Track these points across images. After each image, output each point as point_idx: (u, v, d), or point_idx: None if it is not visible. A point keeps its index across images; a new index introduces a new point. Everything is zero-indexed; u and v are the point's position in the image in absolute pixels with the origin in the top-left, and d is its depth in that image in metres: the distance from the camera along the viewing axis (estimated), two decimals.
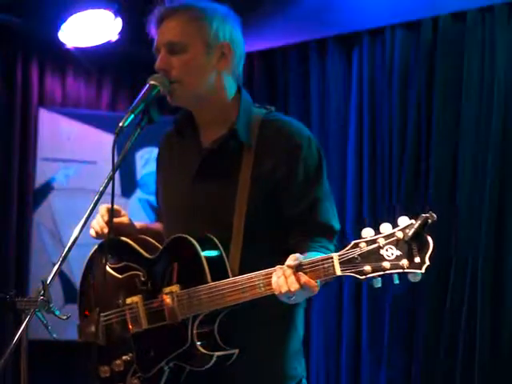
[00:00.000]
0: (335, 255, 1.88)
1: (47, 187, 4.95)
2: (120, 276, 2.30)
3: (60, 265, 1.97)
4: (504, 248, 3.99)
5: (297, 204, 2.16)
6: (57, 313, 1.93)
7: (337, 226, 2.20)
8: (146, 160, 5.10)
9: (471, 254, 4.04)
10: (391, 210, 4.37)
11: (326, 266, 1.89)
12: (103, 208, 2.31)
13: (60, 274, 1.97)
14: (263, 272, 1.99)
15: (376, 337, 4.41)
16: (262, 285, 1.99)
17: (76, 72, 5.16)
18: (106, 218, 2.31)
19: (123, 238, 2.34)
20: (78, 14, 4.47)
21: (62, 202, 4.93)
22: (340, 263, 1.87)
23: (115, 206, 2.30)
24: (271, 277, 1.96)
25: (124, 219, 2.37)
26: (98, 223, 2.31)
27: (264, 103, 2.33)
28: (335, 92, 4.67)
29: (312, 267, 1.91)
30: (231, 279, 2.05)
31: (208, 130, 2.26)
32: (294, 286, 1.90)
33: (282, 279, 1.92)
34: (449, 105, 4.19)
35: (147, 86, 2.13)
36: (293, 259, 1.93)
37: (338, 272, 1.87)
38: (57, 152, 4.97)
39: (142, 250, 2.29)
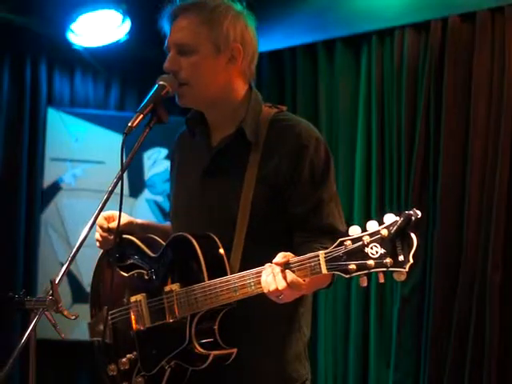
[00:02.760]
0: (321, 253, 1.86)
1: (55, 187, 4.96)
2: (126, 274, 2.31)
3: (68, 265, 1.97)
4: None
5: (301, 205, 2.14)
6: (65, 313, 1.93)
7: (342, 228, 2.18)
8: (154, 160, 5.11)
9: (480, 256, 4.02)
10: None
11: (312, 264, 1.88)
12: (100, 218, 2.32)
13: (68, 274, 1.97)
14: (254, 270, 1.98)
15: (384, 340, 4.40)
16: (252, 283, 1.98)
17: (84, 72, 5.17)
18: (105, 225, 2.33)
19: (129, 237, 2.36)
20: (87, 14, 4.48)
21: (70, 202, 4.94)
22: (326, 261, 1.85)
23: (109, 213, 2.33)
24: (261, 275, 1.95)
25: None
26: (99, 233, 2.35)
27: (273, 103, 2.32)
28: (343, 93, 4.66)
29: (299, 265, 1.90)
30: (224, 278, 2.04)
31: (217, 129, 2.26)
32: (282, 284, 1.89)
33: (270, 277, 1.91)
34: (458, 105, 4.17)
35: (156, 86, 2.13)
36: (281, 257, 1.92)
37: (324, 270, 1.85)
38: (65, 152, 4.98)
39: (146, 249, 2.30)
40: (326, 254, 1.86)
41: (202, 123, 2.29)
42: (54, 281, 1.92)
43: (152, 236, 2.37)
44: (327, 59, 4.73)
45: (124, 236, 2.36)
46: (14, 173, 4.87)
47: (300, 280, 1.90)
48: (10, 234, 4.84)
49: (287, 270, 1.90)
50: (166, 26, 2.22)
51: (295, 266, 1.90)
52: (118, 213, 2.28)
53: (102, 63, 5.07)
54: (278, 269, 1.90)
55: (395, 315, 4.31)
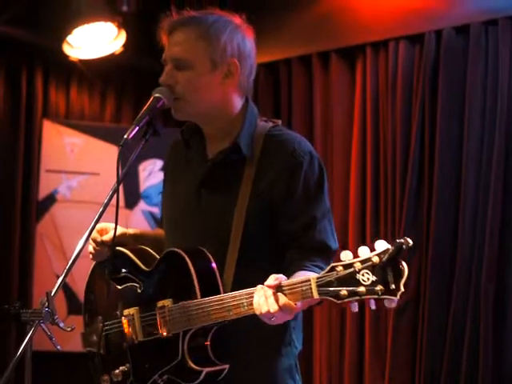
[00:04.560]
0: (313, 278, 1.86)
1: (50, 199, 4.95)
2: (119, 287, 2.30)
3: (64, 277, 1.97)
4: (506, 263, 3.99)
5: (294, 221, 2.14)
6: (61, 325, 1.93)
7: (334, 245, 2.18)
8: (149, 172, 5.11)
9: (474, 268, 4.03)
10: (394, 229, 4.34)
11: (304, 288, 1.87)
12: (94, 231, 2.30)
13: (63, 285, 1.98)
14: (246, 291, 1.98)
15: (379, 351, 4.39)
16: (245, 304, 1.97)
17: (80, 84, 5.17)
18: (98, 239, 2.31)
19: (122, 249, 2.35)
20: (83, 26, 4.49)
21: (66, 214, 4.93)
22: (317, 286, 1.84)
23: (102, 225, 2.32)
24: (253, 296, 1.94)
25: (112, 234, 2.33)
26: (92, 246, 2.33)
27: (267, 115, 2.33)
28: (338, 105, 4.67)
29: (291, 289, 1.90)
30: (217, 297, 2.04)
31: (213, 142, 2.26)
32: (274, 307, 1.88)
33: (262, 299, 1.90)
34: (452, 117, 4.19)
35: (152, 98, 2.13)
36: (273, 279, 1.91)
37: (316, 295, 1.85)
38: (60, 164, 4.98)
39: (139, 262, 2.30)
40: (317, 278, 1.85)
41: (198, 134, 2.30)
42: (50, 292, 1.92)
43: (144, 248, 2.36)
44: (322, 71, 4.74)
45: (117, 248, 2.35)
46: (9, 184, 4.86)
47: (292, 304, 1.89)
48: (5, 246, 4.82)
49: (279, 293, 1.90)
50: (163, 39, 2.21)
51: (287, 290, 1.90)
52: (110, 225, 2.28)
53: (98, 75, 5.08)
54: (270, 292, 1.90)
55: (390, 326, 4.30)
